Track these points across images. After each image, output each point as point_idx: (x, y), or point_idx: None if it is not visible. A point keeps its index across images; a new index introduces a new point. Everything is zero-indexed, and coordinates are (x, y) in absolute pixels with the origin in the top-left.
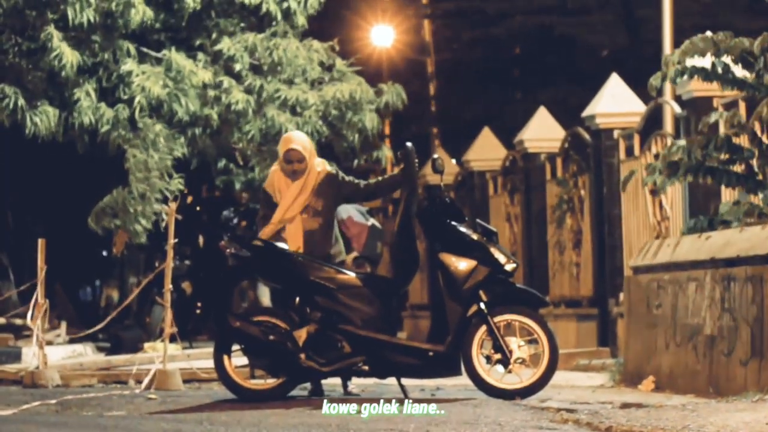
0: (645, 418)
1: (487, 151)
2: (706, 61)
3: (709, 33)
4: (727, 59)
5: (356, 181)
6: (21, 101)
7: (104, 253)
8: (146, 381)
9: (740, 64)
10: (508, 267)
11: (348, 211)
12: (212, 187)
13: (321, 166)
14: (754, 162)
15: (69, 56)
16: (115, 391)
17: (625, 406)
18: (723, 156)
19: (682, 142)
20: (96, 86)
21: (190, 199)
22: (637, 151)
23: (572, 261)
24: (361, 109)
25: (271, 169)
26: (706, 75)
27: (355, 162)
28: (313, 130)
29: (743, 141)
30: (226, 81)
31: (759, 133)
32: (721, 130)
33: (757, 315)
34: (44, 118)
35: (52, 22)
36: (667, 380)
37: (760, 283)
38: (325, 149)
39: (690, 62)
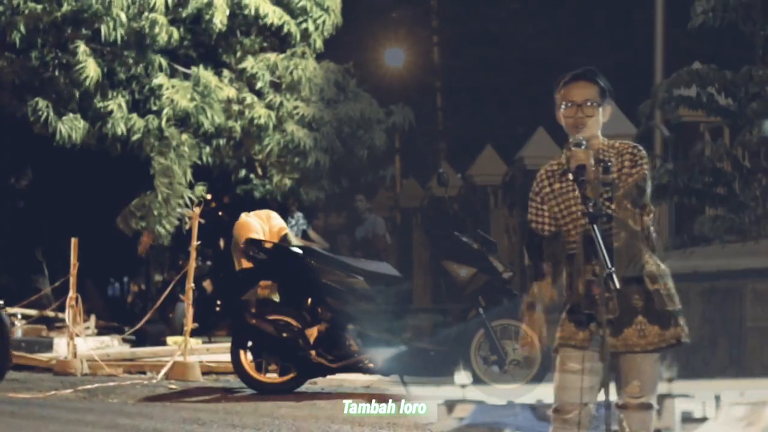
0: None
1: (489, 166)
2: (692, 91)
3: (697, 64)
4: (711, 89)
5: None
6: (52, 114)
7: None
8: (164, 371)
9: (723, 94)
10: (506, 275)
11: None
12: (234, 195)
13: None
14: (736, 184)
15: (91, 70)
16: (138, 380)
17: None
18: (707, 179)
19: (670, 165)
20: (129, 98)
21: (213, 204)
22: None
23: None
24: (371, 127)
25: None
26: (692, 104)
27: (363, 178)
28: (328, 146)
29: (726, 166)
30: (249, 97)
31: (741, 158)
32: (707, 153)
33: (736, 326)
34: (74, 133)
35: (86, 38)
36: None
37: (739, 297)
38: (337, 164)
39: (677, 92)
